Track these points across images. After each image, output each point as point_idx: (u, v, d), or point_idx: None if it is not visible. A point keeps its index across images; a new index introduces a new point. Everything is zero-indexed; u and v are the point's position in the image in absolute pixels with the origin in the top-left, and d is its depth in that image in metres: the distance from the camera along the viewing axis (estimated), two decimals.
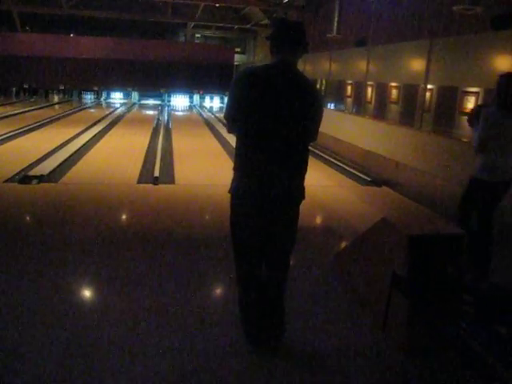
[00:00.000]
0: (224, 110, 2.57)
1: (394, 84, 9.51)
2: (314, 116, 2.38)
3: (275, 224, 2.49)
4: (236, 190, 2.43)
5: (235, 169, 2.44)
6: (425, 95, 7.70)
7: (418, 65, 7.92)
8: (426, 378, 2.56)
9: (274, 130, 2.28)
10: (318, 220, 5.71)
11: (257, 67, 2.44)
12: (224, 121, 2.62)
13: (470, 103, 7.26)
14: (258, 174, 2.32)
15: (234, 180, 2.44)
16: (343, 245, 4.65)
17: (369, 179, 7.35)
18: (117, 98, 22.06)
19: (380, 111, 10.07)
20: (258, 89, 2.28)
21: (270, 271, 2.57)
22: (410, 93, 8.82)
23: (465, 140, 6.85)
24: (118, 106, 19.35)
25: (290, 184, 2.40)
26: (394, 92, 9.58)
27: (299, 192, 2.51)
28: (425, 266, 2.69)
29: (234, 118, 2.40)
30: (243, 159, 2.38)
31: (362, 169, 8.05)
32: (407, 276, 2.69)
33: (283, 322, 2.62)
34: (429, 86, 7.78)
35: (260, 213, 2.42)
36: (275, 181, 2.33)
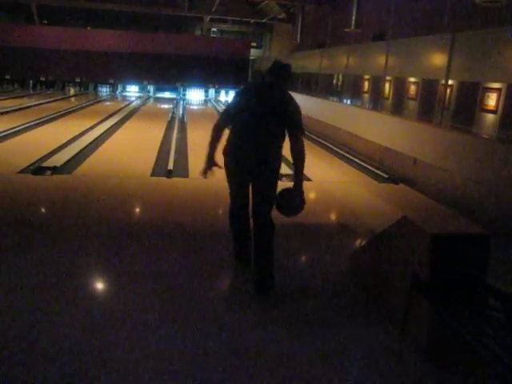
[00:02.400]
0: (225, 107, 3.59)
1: (412, 79, 9.30)
2: (284, 114, 3.26)
3: (254, 178, 3.30)
4: (227, 152, 3.35)
5: (228, 141, 3.37)
6: (445, 91, 7.49)
7: (438, 59, 7.72)
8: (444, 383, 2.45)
9: (253, 119, 3.26)
10: (334, 217, 5.59)
11: (251, 83, 4.39)
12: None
13: (492, 100, 7.04)
14: (240, 145, 3.29)
15: (225, 148, 3.36)
16: (359, 243, 4.54)
17: (386, 176, 7.20)
18: (132, 91, 22.09)
19: (398, 107, 9.87)
20: (248, 96, 3.44)
21: (255, 218, 3.31)
22: (430, 88, 8.61)
23: (486, 137, 6.67)
24: (134, 99, 19.38)
25: (262, 153, 3.24)
26: (413, 88, 9.37)
27: (272, 160, 3.29)
28: (447, 266, 2.56)
29: (230, 114, 3.43)
30: (234, 136, 3.34)
31: (379, 165, 7.90)
32: (428, 277, 2.57)
33: (272, 274, 3.26)
34: (449, 82, 7.57)
35: (239, 167, 3.31)
36: (250, 150, 3.23)
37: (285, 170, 7.18)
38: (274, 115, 3.25)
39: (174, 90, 21.68)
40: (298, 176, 3.39)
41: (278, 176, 3.40)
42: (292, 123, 3.27)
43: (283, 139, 3.30)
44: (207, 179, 3.49)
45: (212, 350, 2.57)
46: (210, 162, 3.43)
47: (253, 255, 3.35)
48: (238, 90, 3.66)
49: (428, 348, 2.58)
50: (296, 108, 3.36)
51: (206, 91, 21.98)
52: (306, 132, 3.42)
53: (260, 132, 3.23)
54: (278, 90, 3.39)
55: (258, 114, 3.26)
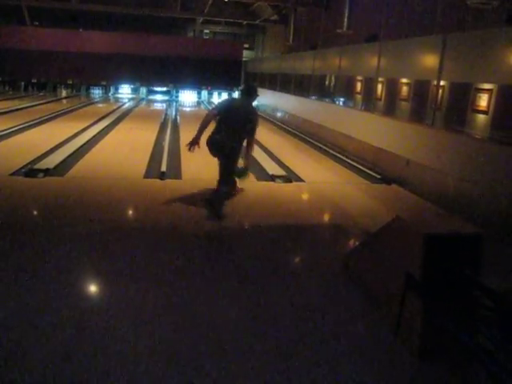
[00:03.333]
0: (214, 106, 5.48)
1: (404, 80, 9.35)
2: (250, 122, 5.19)
3: (222, 157, 5.21)
4: (209, 142, 5.14)
5: (212, 133, 5.16)
6: (437, 92, 7.54)
7: (430, 61, 7.77)
8: (439, 381, 2.46)
9: (230, 124, 5.11)
10: (326, 218, 5.61)
11: (232, 99, 6.31)
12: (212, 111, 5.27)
13: (483, 101, 7.10)
14: (218, 138, 5.10)
15: (209, 138, 5.14)
16: (353, 243, 4.56)
17: (379, 177, 7.23)
18: (125, 93, 22.00)
19: (390, 108, 9.92)
20: (229, 107, 5.28)
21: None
22: (421, 89, 8.67)
23: (477, 137, 6.72)
24: (126, 100, 19.31)
25: (230, 144, 5.11)
26: (405, 89, 9.42)
27: (235, 149, 5.18)
28: (440, 266, 2.58)
29: (216, 113, 5.18)
30: (215, 131, 5.15)
31: (372, 166, 7.93)
32: (421, 277, 2.58)
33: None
34: (441, 83, 7.62)
35: (216, 149, 5.16)
36: (225, 142, 5.08)
37: (279, 171, 7.22)
38: (244, 124, 5.15)
39: (166, 92, 21.64)
40: (248, 156, 5.46)
41: (236, 156, 5.25)
42: (253, 130, 5.24)
43: (243, 138, 5.27)
44: (192, 152, 5.09)
45: (204, 348, 2.56)
46: (195, 142, 5.09)
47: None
48: (225, 99, 5.88)
49: (421, 347, 2.59)
50: (257, 119, 5.34)
51: (199, 93, 21.96)
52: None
53: (233, 133, 5.08)
54: (248, 106, 5.38)
55: (233, 121, 5.11)
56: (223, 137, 5.06)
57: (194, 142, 5.06)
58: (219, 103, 5.45)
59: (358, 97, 11.55)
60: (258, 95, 5.48)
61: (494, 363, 1.95)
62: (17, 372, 2.31)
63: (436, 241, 2.62)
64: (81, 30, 22.83)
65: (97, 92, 21.58)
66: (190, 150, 5.09)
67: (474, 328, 2.47)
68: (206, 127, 5.10)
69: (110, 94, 21.56)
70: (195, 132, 5.10)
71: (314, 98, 13.70)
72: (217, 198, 5.16)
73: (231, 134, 5.06)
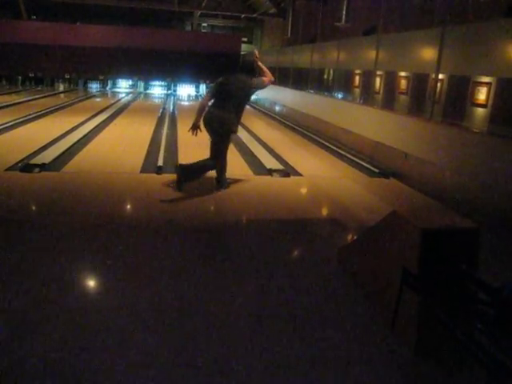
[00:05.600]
0: (207, 90, 5.65)
1: (403, 74, 9.30)
2: (246, 94, 5.43)
3: (215, 134, 5.38)
4: (204, 118, 5.34)
5: (207, 111, 5.35)
6: (436, 85, 7.49)
7: (429, 54, 7.72)
8: (435, 379, 2.44)
9: (226, 98, 5.30)
10: (324, 212, 5.58)
11: (226, 76, 5.42)
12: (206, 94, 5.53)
13: (482, 94, 7.06)
14: (215, 113, 5.33)
15: (204, 115, 5.35)
16: (350, 237, 4.53)
17: (377, 171, 7.20)
18: (122, 87, 21.90)
19: (388, 102, 9.87)
20: (224, 83, 5.36)
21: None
22: (420, 83, 8.62)
23: (476, 131, 6.68)
24: (124, 95, 19.22)
25: (226, 119, 5.29)
26: (403, 82, 9.37)
27: (230, 124, 5.33)
28: (437, 261, 2.56)
29: (211, 94, 5.43)
30: (211, 107, 5.38)
31: (370, 160, 7.90)
32: (418, 271, 2.56)
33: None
34: (439, 76, 7.57)
35: (210, 127, 5.35)
36: (219, 117, 5.29)
37: (277, 165, 7.19)
38: (238, 98, 5.32)
39: (164, 85, 21.54)
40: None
41: (228, 134, 5.40)
42: (257, 87, 5.43)
43: (240, 113, 5.43)
44: (195, 136, 5.38)
45: (203, 346, 2.54)
46: (196, 126, 5.31)
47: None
48: (217, 80, 5.46)
49: (418, 343, 2.57)
50: (255, 82, 5.37)
51: (197, 86, 21.86)
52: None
53: (226, 108, 5.28)
54: (244, 79, 5.35)
55: (228, 96, 5.28)
56: (217, 110, 5.28)
57: (195, 126, 5.28)
58: (212, 85, 5.52)
59: (357, 90, 11.51)
60: (255, 71, 5.43)
61: (490, 359, 1.93)
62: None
63: (434, 235, 2.59)
64: (78, 23, 22.70)
65: (94, 86, 21.46)
66: (193, 134, 5.34)
67: (470, 323, 2.45)
68: (203, 110, 5.30)
69: (107, 89, 21.45)
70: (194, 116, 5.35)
71: (311, 91, 13.64)
72: (190, 170, 5.37)
73: (225, 107, 5.25)
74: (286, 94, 15.01)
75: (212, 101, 5.40)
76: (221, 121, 5.25)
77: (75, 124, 9.97)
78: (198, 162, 5.45)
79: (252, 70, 5.41)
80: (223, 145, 5.44)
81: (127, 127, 10.59)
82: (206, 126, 5.33)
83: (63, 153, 7.15)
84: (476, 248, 2.65)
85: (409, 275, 2.60)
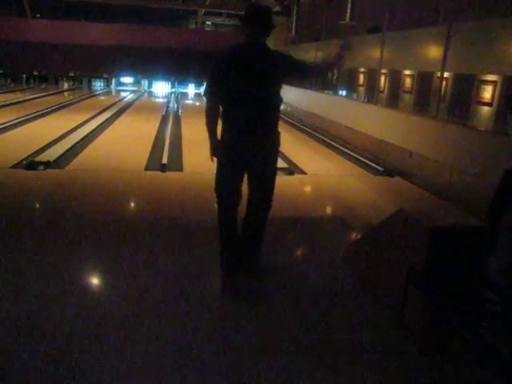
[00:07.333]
0: (205, 88, 3.15)
1: (407, 72, 9.26)
2: (279, 75, 3.04)
3: (256, 167, 3.13)
4: (222, 140, 3.10)
5: (222, 128, 3.11)
6: (441, 84, 7.45)
7: (434, 52, 7.68)
8: (441, 377, 2.43)
9: (250, 93, 2.95)
10: (329, 210, 5.56)
11: (231, 48, 3.01)
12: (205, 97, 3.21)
13: (488, 92, 7.02)
14: (239, 127, 3.02)
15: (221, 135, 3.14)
16: (355, 236, 4.52)
17: (381, 169, 7.18)
18: (127, 83, 21.93)
19: (393, 100, 9.84)
20: (235, 65, 2.92)
21: (255, 210, 3.32)
22: (425, 81, 8.58)
23: (481, 130, 6.65)
24: (128, 93, 19.25)
25: (266, 133, 3.05)
26: (408, 81, 9.33)
27: (276, 140, 3.14)
28: (444, 259, 2.54)
29: (215, 93, 3.05)
30: (228, 118, 3.06)
31: (375, 158, 7.87)
32: (425, 270, 2.55)
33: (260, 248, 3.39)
34: (444, 75, 7.53)
35: (240, 158, 3.09)
36: (253, 132, 3.01)
37: (281, 164, 7.17)
38: (272, 80, 3.02)
39: (168, 82, 21.54)
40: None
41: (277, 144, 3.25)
42: (297, 69, 3.32)
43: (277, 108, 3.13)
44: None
45: (205, 345, 2.54)
46: (214, 150, 3.24)
47: (248, 233, 3.39)
48: (216, 60, 3.02)
49: (423, 341, 2.56)
50: (286, 56, 3.25)
51: (201, 85, 21.85)
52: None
53: (260, 107, 2.99)
54: (269, 50, 3.02)
55: (255, 85, 2.96)
56: (240, 128, 3.04)
57: (213, 152, 3.24)
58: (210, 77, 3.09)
59: (361, 89, 11.47)
60: (273, 25, 2.99)
61: (496, 357, 1.92)
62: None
63: (440, 233, 2.58)
64: (82, 21, 22.72)
65: (98, 84, 21.50)
66: (212, 160, 3.29)
67: (476, 322, 2.44)
68: (215, 121, 3.15)
69: (111, 87, 21.48)
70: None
71: (315, 89, 13.61)
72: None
73: (252, 109, 2.98)
74: (290, 92, 14.98)
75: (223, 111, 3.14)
76: (255, 133, 3.05)
77: (80, 122, 9.99)
78: (247, 229, 3.40)
79: (271, 26, 3.01)
80: (274, 170, 3.32)
81: (132, 125, 10.61)
82: (237, 156, 3.12)
83: (68, 150, 7.16)
84: (483, 246, 2.63)
85: (415, 274, 2.58)
